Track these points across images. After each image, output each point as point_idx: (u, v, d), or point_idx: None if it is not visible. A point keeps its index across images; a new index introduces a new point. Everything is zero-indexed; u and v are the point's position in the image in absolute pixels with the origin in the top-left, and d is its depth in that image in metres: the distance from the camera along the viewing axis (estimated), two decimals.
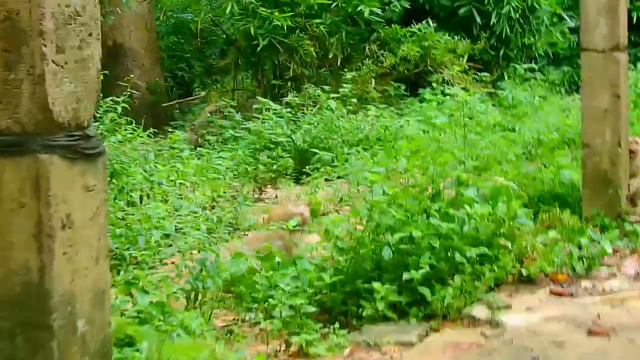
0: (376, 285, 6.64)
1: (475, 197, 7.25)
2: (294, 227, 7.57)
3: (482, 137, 12.58)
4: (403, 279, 6.69)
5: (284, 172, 12.77)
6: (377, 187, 7.28)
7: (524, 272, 7.23)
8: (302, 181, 12.91)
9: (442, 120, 7.58)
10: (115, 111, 9.90)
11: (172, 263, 6.87)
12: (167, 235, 7.93)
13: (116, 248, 6.91)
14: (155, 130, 18.66)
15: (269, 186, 12.70)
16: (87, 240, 3.76)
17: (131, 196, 9.32)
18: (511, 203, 7.18)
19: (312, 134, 13.64)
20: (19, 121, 3.57)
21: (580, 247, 7.70)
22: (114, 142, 9.17)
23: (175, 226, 8.88)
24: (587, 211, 8.54)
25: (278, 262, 7.18)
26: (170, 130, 18.23)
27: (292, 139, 13.44)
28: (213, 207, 10.30)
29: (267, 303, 6.86)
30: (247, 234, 8.55)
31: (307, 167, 12.63)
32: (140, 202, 9.59)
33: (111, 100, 9.96)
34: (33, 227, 3.57)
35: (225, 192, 10.60)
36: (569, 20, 19.71)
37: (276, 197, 12.02)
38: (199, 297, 6.47)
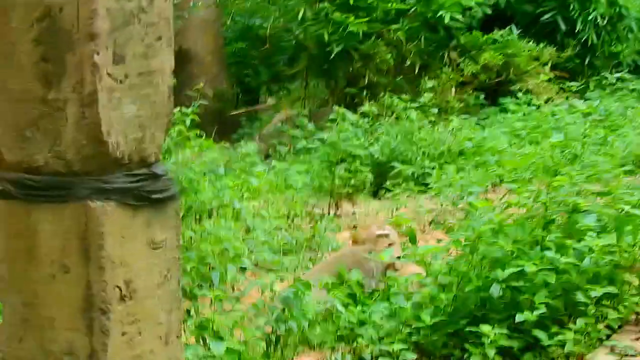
0: (484, 327, 5.72)
1: (595, 226, 6.28)
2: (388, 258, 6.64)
3: (580, 151, 11.57)
4: (515, 320, 5.76)
5: (362, 187, 11.88)
6: (479, 212, 6.35)
7: None
8: (380, 196, 12.04)
9: (558, 139, 6.57)
10: (184, 123, 8.97)
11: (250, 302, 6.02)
12: (243, 269, 7.06)
13: (186, 285, 6.05)
14: (222, 140, 18.03)
15: (346, 202, 11.83)
16: (153, 314, 2.81)
17: (200, 216, 8.49)
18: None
19: (391, 146, 12.73)
20: (61, 156, 2.63)
21: None
22: (181, 158, 8.30)
23: (251, 251, 8.08)
24: None
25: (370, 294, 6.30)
26: (237, 139, 17.59)
27: (370, 151, 12.53)
28: (290, 226, 9.46)
29: (355, 342, 5.99)
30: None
31: (387, 182, 11.70)
32: (210, 219, 8.77)
33: (179, 112, 9.06)
34: (81, 299, 2.64)
35: (302, 211, 9.71)
36: None
37: (354, 213, 11.18)
38: (281, 341, 5.59)
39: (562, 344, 5.76)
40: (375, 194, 12.23)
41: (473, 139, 13.22)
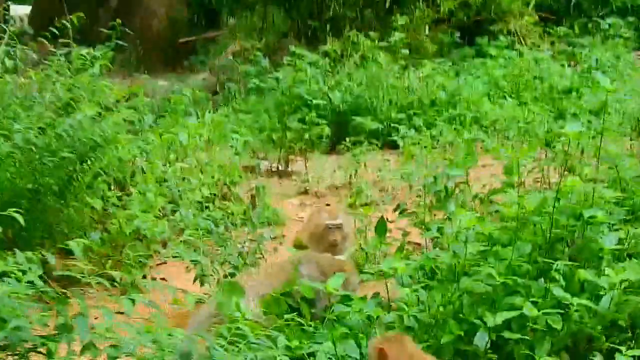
0: None
1: (615, 248, 4.60)
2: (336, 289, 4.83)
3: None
4: None
5: (318, 141, 10.12)
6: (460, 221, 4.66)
7: None
8: (338, 151, 10.28)
9: (574, 129, 4.82)
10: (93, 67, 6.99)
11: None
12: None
13: None
14: (175, 67, 16.13)
15: (299, 158, 10.08)
16: None
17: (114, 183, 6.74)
18: None
19: (354, 93, 10.96)
20: None
21: None
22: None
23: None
24: None
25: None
26: (189, 66, 15.70)
27: (329, 98, 10.75)
28: (223, 198, 7.72)
29: None
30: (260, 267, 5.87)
31: (347, 137, 9.92)
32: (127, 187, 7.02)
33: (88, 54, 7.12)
34: None
35: (240, 176, 7.95)
36: None
37: (306, 174, 9.46)
38: None
39: None
40: (333, 148, 10.48)
41: (447, 88, 11.49)
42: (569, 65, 13.15)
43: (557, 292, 4.36)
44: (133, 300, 4.03)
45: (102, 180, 6.77)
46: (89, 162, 6.48)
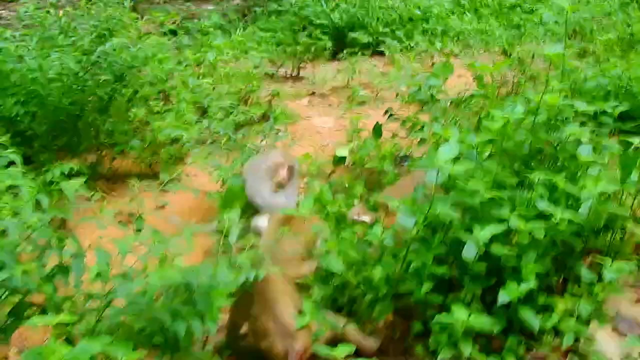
0: (456, 309, 2.89)
1: (593, 158, 3.34)
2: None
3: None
4: (499, 302, 2.91)
5: (322, 52, 8.74)
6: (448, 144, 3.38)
7: None
8: (339, 58, 8.93)
9: (556, 50, 3.48)
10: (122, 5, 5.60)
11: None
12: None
13: None
14: None
15: (308, 65, 8.73)
16: None
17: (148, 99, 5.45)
18: None
19: (350, 13, 9.48)
20: None
21: None
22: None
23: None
24: None
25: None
26: None
27: (330, 18, 9.30)
28: (245, 103, 6.42)
29: None
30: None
31: (344, 49, 8.54)
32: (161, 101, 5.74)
33: None
34: None
35: (259, 86, 6.63)
36: None
37: (313, 78, 8.16)
38: None
39: (556, 329, 2.96)
40: (334, 57, 9.12)
41: (421, 7, 9.97)
42: None
43: (541, 204, 3.13)
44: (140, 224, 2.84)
45: (142, 94, 5.50)
46: (127, 81, 5.19)
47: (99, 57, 4.65)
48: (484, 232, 2.97)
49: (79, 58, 4.74)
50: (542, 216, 3.14)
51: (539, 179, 3.21)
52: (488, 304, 3.06)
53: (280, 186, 4.42)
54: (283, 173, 4.41)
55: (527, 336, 3.02)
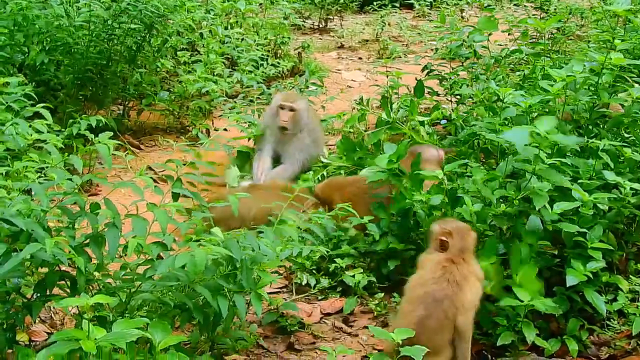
0: (520, 293, 2.62)
1: None
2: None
3: None
4: (567, 284, 2.64)
5: (350, 3, 8.32)
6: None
7: None
8: (366, 11, 8.53)
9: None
10: None
11: None
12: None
13: None
14: None
15: (336, 17, 8.33)
16: None
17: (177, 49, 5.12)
18: None
19: None
20: None
21: None
22: None
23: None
24: None
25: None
26: None
27: None
28: (275, 56, 6.08)
29: None
30: None
31: (373, 1, 8.12)
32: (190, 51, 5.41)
33: None
34: None
35: (289, 38, 6.26)
36: None
37: (342, 30, 7.77)
38: None
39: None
40: (361, 10, 8.70)
41: None
42: None
43: (609, 175, 2.83)
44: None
45: (171, 44, 5.18)
46: (155, 31, 4.85)
47: (128, 4, 4.32)
48: (554, 209, 2.68)
49: (108, 4, 4.42)
50: (608, 188, 2.85)
51: (603, 147, 2.90)
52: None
53: (282, 129, 4.26)
54: (285, 116, 4.25)
55: (586, 318, 2.75)
